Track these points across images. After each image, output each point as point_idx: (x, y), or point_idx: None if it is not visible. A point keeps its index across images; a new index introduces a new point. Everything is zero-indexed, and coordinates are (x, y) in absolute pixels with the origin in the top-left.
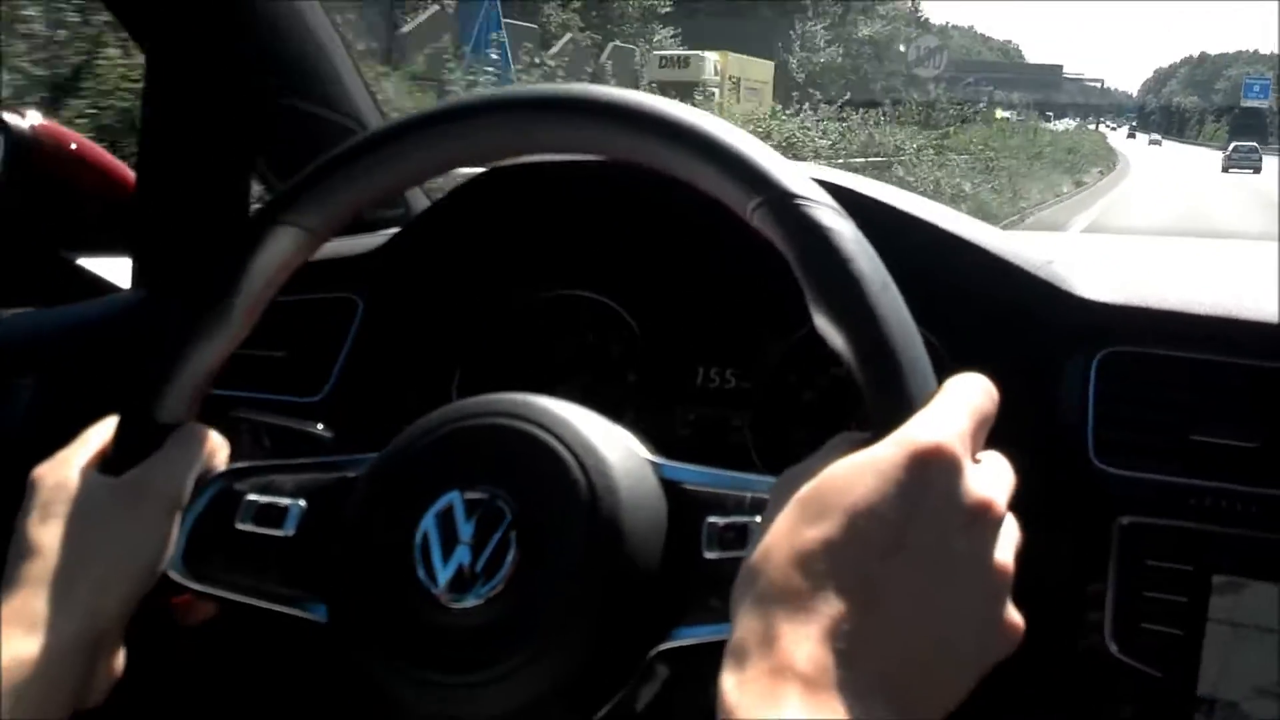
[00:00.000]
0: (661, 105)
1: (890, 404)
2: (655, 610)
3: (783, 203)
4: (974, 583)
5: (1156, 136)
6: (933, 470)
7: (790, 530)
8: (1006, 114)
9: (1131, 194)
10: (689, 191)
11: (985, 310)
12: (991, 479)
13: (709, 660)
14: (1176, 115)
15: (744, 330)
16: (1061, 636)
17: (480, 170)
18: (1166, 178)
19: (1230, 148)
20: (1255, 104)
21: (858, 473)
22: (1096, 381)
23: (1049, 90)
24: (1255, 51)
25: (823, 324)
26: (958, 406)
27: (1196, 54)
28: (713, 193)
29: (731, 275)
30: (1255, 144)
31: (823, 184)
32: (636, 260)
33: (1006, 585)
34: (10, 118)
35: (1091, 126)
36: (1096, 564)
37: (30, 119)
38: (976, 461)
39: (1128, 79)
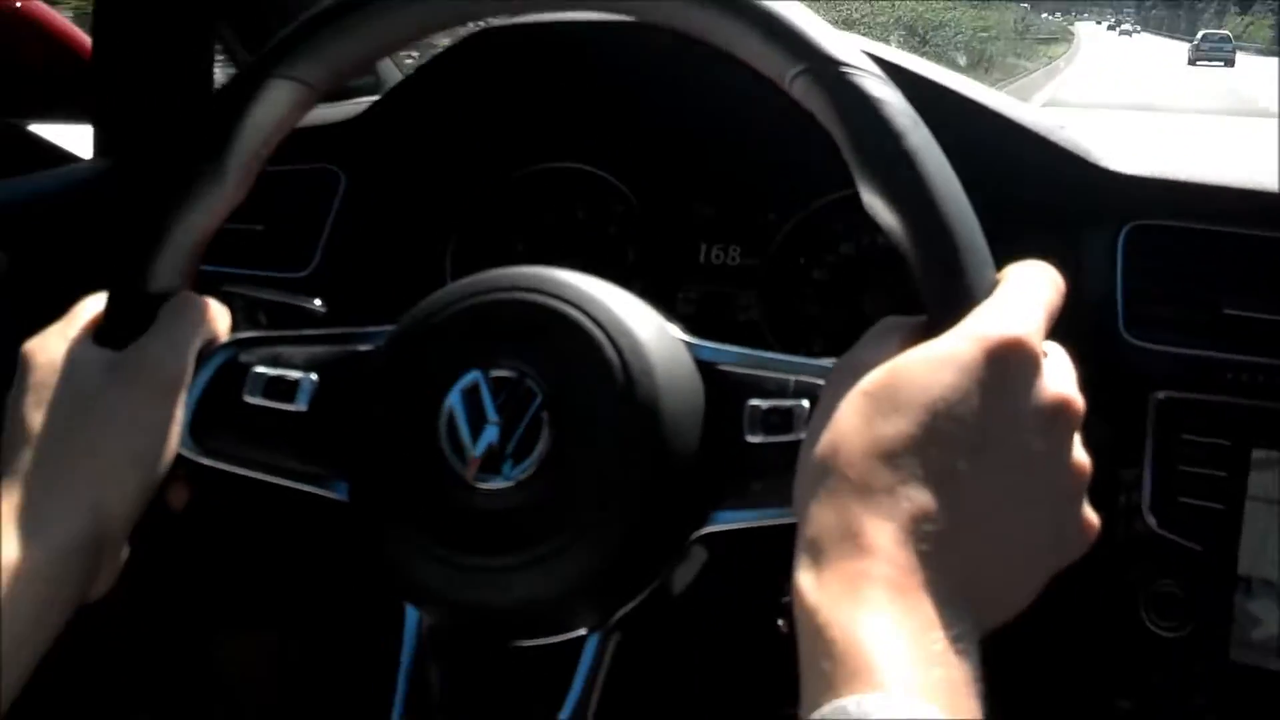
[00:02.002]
0: None
1: (951, 291)
2: (694, 494)
3: (830, 71)
4: (1053, 482)
5: (1129, 27)
6: (1012, 367)
7: (863, 424)
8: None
9: (1082, 75)
10: (689, 59)
11: (1013, 182)
12: (1064, 374)
13: (748, 543)
14: (1184, 5)
15: (747, 207)
16: (1101, 515)
17: (463, 34)
18: (1115, 63)
19: (1199, 36)
20: None
21: (934, 367)
22: (1124, 255)
23: None
24: None
25: (871, 200)
26: (1030, 299)
27: None
28: (749, 60)
29: (733, 150)
30: (1228, 34)
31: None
32: (634, 132)
33: (1084, 484)
34: None
35: (1051, 16)
36: (1133, 443)
37: None
38: (1045, 356)
39: None
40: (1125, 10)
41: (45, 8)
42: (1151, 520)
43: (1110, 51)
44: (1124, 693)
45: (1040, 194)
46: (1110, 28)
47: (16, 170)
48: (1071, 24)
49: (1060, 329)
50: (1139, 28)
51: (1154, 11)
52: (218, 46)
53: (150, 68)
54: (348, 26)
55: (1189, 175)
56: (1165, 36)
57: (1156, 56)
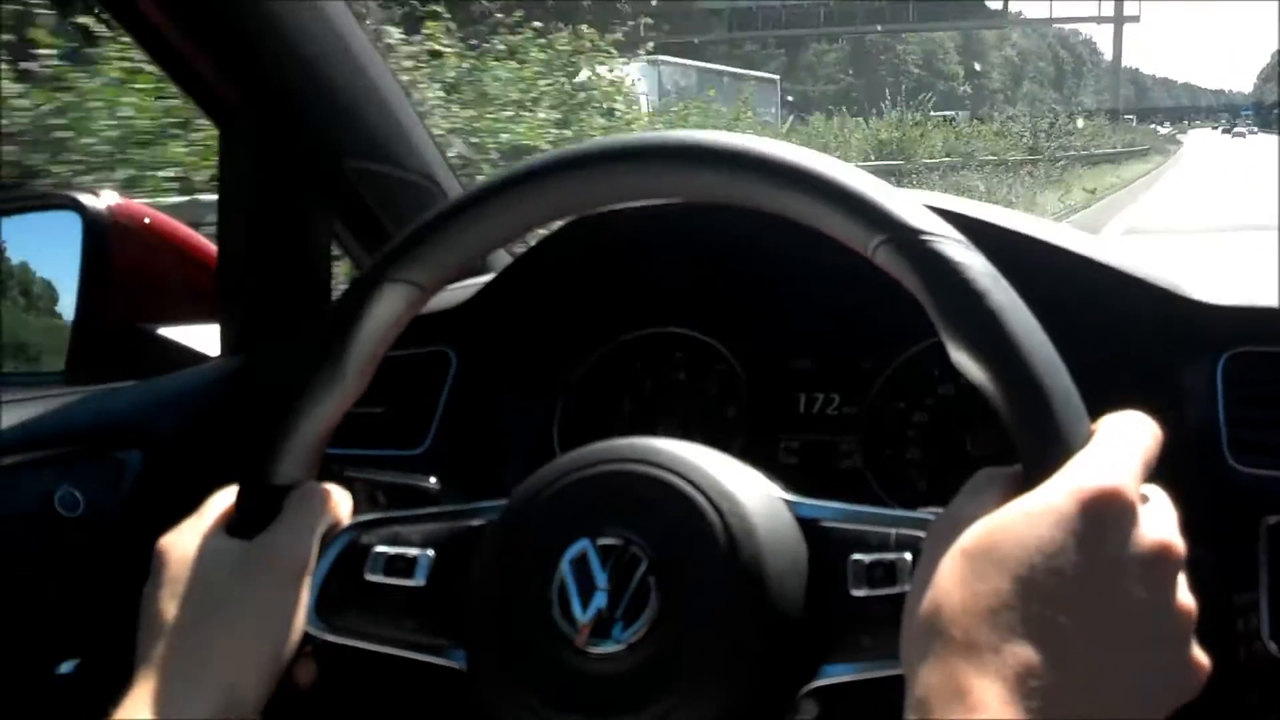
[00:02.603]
0: (778, 150)
1: (1046, 444)
2: (802, 650)
3: (908, 240)
4: (1159, 629)
5: (1242, 129)
6: (1109, 517)
7: (963, 582)
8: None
9: (1169, 192)
10: (773, 222)
11: (1103, 326)
12: (1163, 519)
13: (860, 697)
14: None
15: (844, 357)
16: (1219, 646)
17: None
18: (1210, 177)
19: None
20: None
21: (1030, 522)
22: (1224, 384)
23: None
24: None
25: (961, 360)
26: (1124, 448)
27: None
28: (833, 234)
29: (827, 304)
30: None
31: (934, 210)
32: (728, 295)
33: (1191, 627)
34: (85, 197)
35: (1162, 129)
36: (1248, 569)
37: (105, 199)
38: (1144, 501)
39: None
40: (1244, 112)
41: (175, 222)
42: (1272, 646)
43: (1212, 160)
44: None
45: (1132, 334)
46: (1224, 131)
47: (150, 372)
48: (1184, 132)
49: (1166, 461)
50: (1255, 129)
51: (1276, 112)
52: (335, 248)
53: (271, 269)
54: (454, 231)
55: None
56: None
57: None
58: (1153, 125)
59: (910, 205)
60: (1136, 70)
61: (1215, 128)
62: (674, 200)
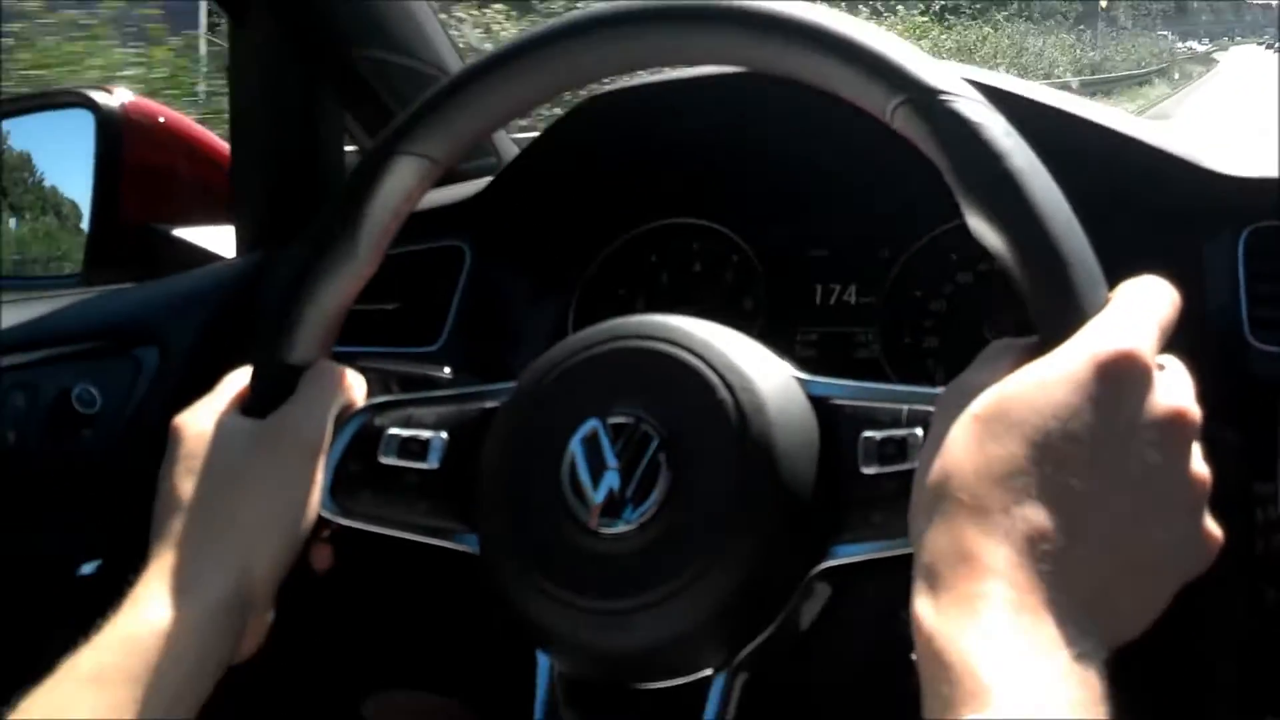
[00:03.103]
0: (790, 8)
1: (1062, 309)
2: (813, 529)
3: (928, 99)
4: (1173, 497)
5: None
6: (1124, 381)
7: (974, 447)
8: None
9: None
10: (789, 107)
11: (1124, 194)
12: (1179, 386)
13: (873, 575)
14: None
15: (860, 246)
16: (1238, 537)
17: (572, 102)
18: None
19: None
20: None
21: (1043, 386)
22: (1245, 260)
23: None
24: None
25: (977, 224)
26: (1141, 313)
27: None
28: (849, 96)
29: (842, 192)
30: None
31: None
32: (743, 183)
33: (1205, 496)
34: (98, 95)
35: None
36: (1268, 454)
37: (119, 96)
38: (1160, 369)
39: None
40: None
41: (185, 119)
42: None
43: (1251, 73)
44: (1264, 711)
45: (1153, 204)
46: (1268, 46)
47: (166, 272)
48: (1225, 48)
49: (1184, 339)
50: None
51: None
52: (347, 140)
53: (284, 167)
54: (463, 102)
55: None
56: None
57: None
58: (1190, 43)
59: (931, 64)
60: None
61: (1260, 44)
62: (689, 72)
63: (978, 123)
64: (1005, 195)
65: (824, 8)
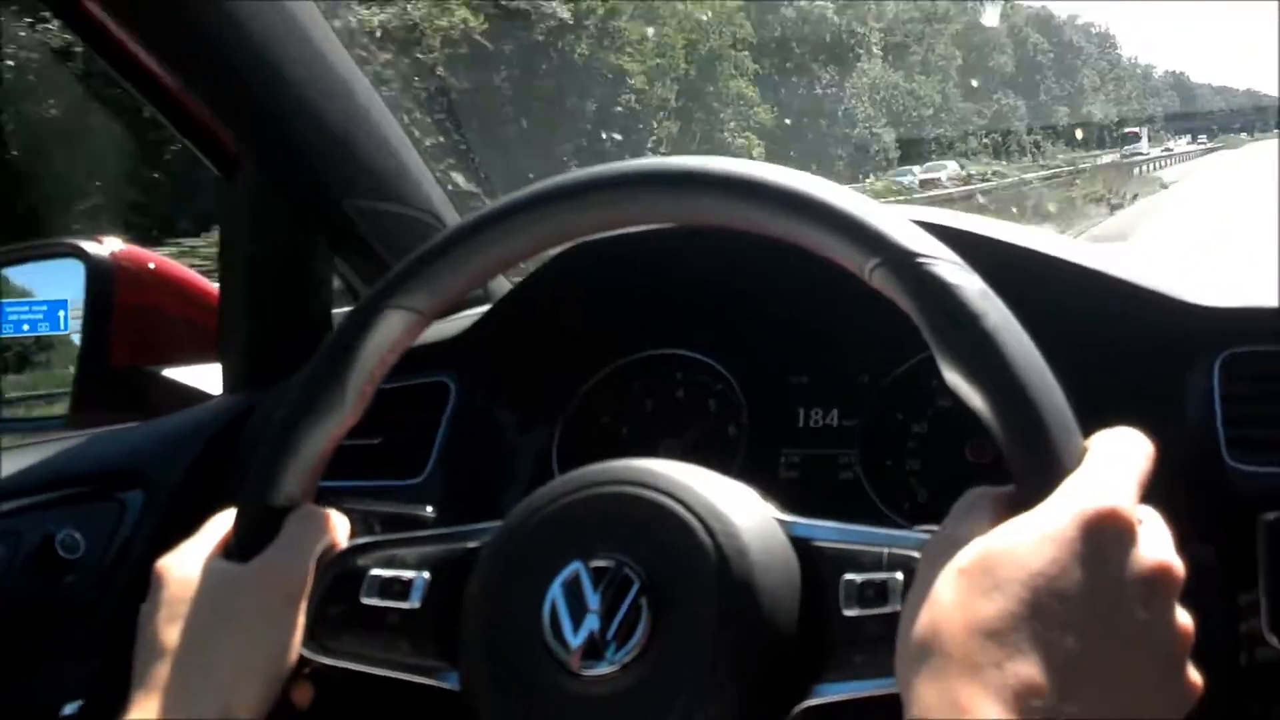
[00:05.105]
0: (771, 173)
1: (1039, 463)
2: (794, 669)
3: (902, 262)
4: (1157, 650)
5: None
6: (1109, 539)
7: (963, 602)
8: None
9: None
10: (767, 241)
11: (1100, 334)
12: (1160, 540)
13: (855, 715)
14: None
15: (841, 371)
16: (1222, 652)
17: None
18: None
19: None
20: None
21: (1031, 543)
22: (1221, 384)
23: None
24: None
25: (955, 381)
26: (1119, 467)
27: None
28: (830, 257)
29: (823, 320)
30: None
31: (928, 227)
32: (724, 315)
33: (1188, 648)
34: (88, 245)
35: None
36: (1247, 568)
37: (108, 245)
38: (1140, 523)
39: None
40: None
41: (178, 265)
42: (1274, 640)
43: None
44: None
45: (1128, 340)
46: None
47: (154, 412)
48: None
49: (1165, 462)
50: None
51: None
52: (337, 283)
53: (272, 309)
54: (452, 259)
55: (1271, 300)
56: None
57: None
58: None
59: (904, 226)
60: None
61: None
62: (669, 226)
63: (952, 284)
64: (981, 356)
65: (804, 174)
